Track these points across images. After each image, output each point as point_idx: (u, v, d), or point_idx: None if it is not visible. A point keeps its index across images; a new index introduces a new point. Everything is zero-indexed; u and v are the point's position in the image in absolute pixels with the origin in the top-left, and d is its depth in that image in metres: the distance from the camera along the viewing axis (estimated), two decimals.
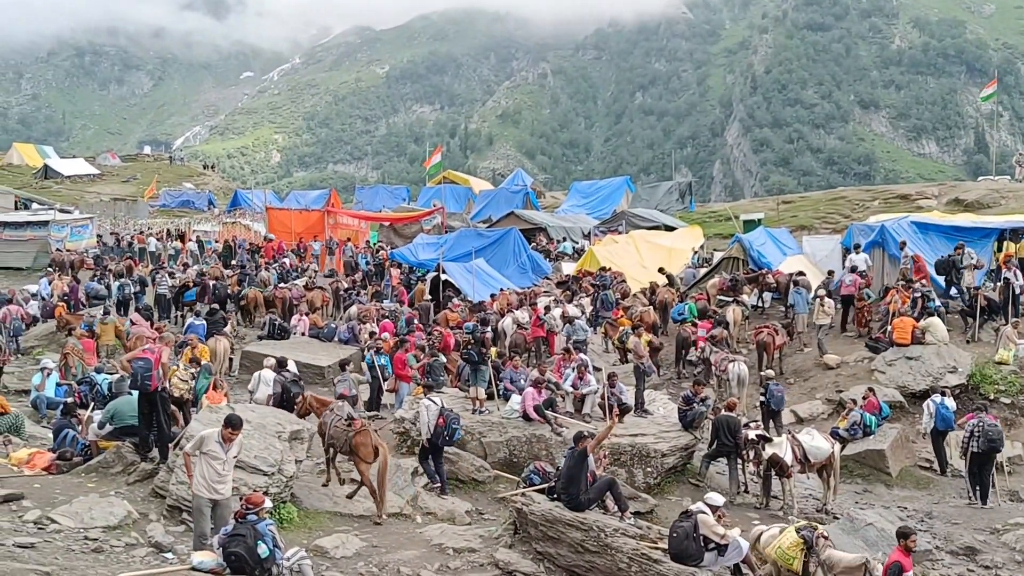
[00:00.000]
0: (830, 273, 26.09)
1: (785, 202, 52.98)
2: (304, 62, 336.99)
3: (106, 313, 24.03)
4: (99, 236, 42.23)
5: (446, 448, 15.12)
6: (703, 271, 31.30)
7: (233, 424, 10.15)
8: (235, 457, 10.33)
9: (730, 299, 25.92)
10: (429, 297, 29.82)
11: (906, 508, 15.56)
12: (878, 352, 21.45)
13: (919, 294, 22.32)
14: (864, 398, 18.22)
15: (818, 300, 23.14)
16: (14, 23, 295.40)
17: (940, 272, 23.50)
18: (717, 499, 11.47)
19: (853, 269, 24.85)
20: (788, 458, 14.87)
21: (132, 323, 23.73)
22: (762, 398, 18.82)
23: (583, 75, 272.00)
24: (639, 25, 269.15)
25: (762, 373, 20.57)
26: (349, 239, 41.17)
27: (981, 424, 15.67)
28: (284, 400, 16.34)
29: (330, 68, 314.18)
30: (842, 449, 16.55)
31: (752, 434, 15.23)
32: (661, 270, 30.18)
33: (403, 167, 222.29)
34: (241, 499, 9.85)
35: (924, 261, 23.97)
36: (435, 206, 48.72)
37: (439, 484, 14.67)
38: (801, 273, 25.94)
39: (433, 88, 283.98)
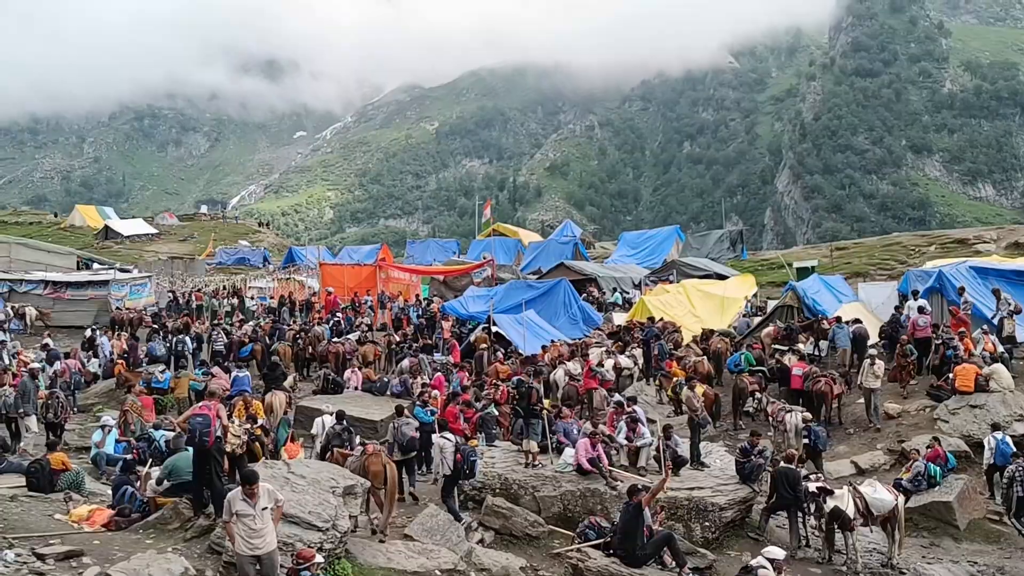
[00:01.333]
0: (897, 308, 25.53)
1: (838, 248, 52.36)
2: (356, 120, 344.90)
3: (181, 368, 25.50)
4: (166, 305, 42.41)
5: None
6: (757, 320, 30.89)
7: (249, 480, 10.24)
8: (266, 508, 10.28)
9: (785, 348, 25.55)
10: (485, 346, 29.74)
11: (976, 563, 15.04)
12: (940, 400, 20.89)
13: (940, 340, 22.32)
14: (928, 447, 17.70)
15: (867, 361, 21.84)
16: (78, 89, 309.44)
17: None
18: (778, 553, 11.19)
19: (920, 310, 24.09)
20: (850, 511, 14.49)
21: (211, 375, 24.15)
22: (806, 440, 18.53)
23: (630, 126, 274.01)
24: (685, 75, 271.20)
25: (799, 415, 20.00)
26: (401, 293, 41.55)
27: (1021, 469, 15.29)
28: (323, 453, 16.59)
29: (381, 126, 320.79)
30: (906, 501, 16.07)
31: (813, 486, 14.89)
32: (711, 331, 29.60)
33: (453, 220, 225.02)
34: (292, 555, 9.85)
35: (963, 313, 23.34)
36: (485, 259, 49.06)
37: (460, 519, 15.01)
38: (858, 320, 25.43)
39: (482, 143, 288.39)
